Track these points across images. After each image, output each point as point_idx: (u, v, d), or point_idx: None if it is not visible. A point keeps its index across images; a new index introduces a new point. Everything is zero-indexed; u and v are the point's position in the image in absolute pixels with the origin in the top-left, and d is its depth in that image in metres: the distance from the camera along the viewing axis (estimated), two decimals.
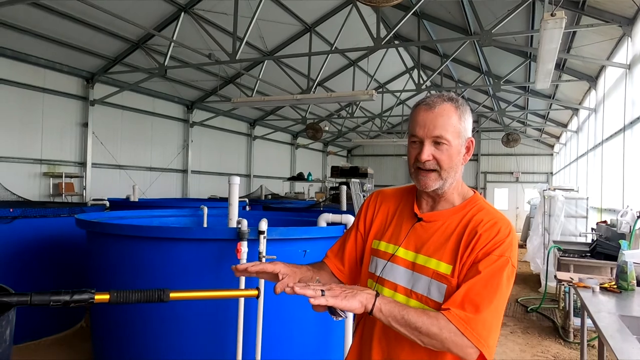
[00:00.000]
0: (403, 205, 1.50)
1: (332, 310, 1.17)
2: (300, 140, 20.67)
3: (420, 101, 1.39)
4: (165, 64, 9.69)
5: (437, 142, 1.32)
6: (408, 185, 1.57)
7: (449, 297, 1.24)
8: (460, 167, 1.38)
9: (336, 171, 13.77)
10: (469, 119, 1.38)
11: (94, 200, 7.93)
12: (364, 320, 1.48)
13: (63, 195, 10.15)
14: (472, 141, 1.40)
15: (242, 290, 1.21)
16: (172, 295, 1.13)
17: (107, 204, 6.52)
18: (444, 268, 1.30)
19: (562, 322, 5.67)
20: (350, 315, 3.17)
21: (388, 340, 1.37)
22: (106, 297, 1.07)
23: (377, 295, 1.19)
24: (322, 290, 1.13)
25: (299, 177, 15.23)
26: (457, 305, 1.20)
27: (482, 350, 1.18)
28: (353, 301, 1.14)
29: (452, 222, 1.36)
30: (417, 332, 1.17)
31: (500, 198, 22.04)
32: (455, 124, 1.33)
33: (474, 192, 1.45)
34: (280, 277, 1.30)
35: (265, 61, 11.67)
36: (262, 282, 2.85)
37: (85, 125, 10.98)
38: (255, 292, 1.25)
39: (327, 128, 17.58)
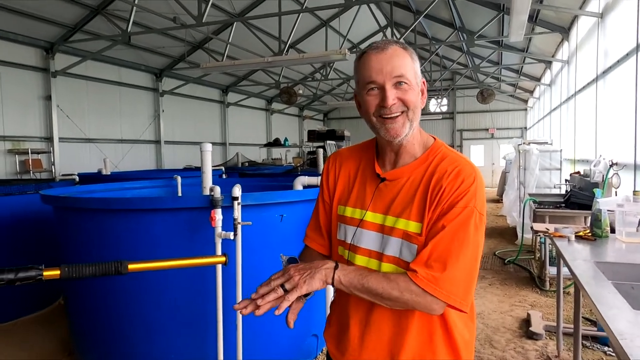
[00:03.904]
0: (364, 164, 1.41)
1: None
2: (275, 106, 20.34)
3: (366, 49, 1.29)
4: (129, 30, 9.23)
5: (398, 83, 1.24)
6: (366, 141, 1.47)
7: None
8: (420, 110, 1.32)
9: (313, 135, 13.68)
10: (418, 62, 1.32)
11: (63, 175, 7.66)
12: None
13: (31, 172, 9.82)
14: (424, 82, 1.34)
15: (208, 257, 1.13)
16: (131, 267, 1.05)
17: (77, 178, 6.29)
18: (413, 227, 1.24)
19: (539, 272, 5.82)
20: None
21: (365, 302, 1.32)
22: (56, 272, 0.98)
23: (336, 267, 1.19)
24: (283, 285, 1.14)
25: (276, 143, 15.06)
26: (423, 264, 1.17)
27: (455, 306, 1.17)
28: (313, 282, 1.15)
29: (416, 176, 1.29)
30: (379, 297, 1.17)
31: (476, 155, 22.33)
32: (410, 65, 1.27)
33: (435, 138, 1.37)
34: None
35: (234, 24, 11.26)
36: (239, 249, 2.80)
37: (49, 98, 10.52)
38: (222, 259, 1.17)
39: (301, 91, 17.29)
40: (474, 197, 1.21)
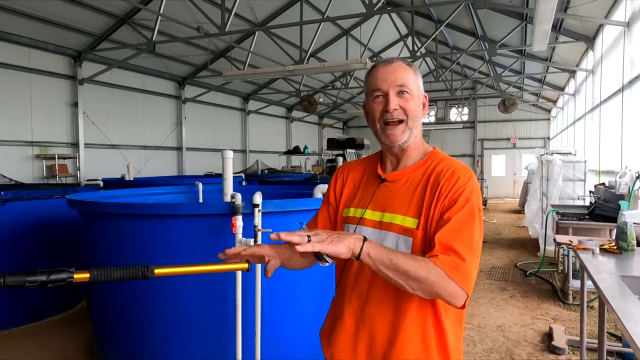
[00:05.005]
0: (369, 171, 1.54)
1: (318, 255, 1.14)
2: (295, 114, 20.47)
3: (375, 63, 1.45)
4: (154, 39, 9.44)
5: (401, 92, 1.37)
6: (372, 154, 1.60)
7: (417, 249, 1.28)
8: (421, 120, 1.44)
9: (332, 143, 13.69)
10: (421, 78, 1.45)
11: (87, 180, 7.84)
12: (340, 279, 1.51)
13: (57, 177, 10.06)
14: (426, 96, 1.46)
15: (231, 263, 1.15)
16: (157, 271, 1.07)
17: (101, 183, 6.43)
18: (410, 222, 1.32)
19: (561, 285, 5.70)
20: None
21: (359, 298, 1.41)
22: (86, 275, 1.01)
23: (365, 239, 1.17)
24: (309, 236, 1.10)
25: (295, 151, 15.13)
26: (442, 253, 1.21)
27: (468, 293, 1.21)
28: (340, 245, 1.12)
29: (415, 178, 1.39)
30: (405, 276, 1.16)
31: (497, 165, 22.02)
32: (413, 78, 1.40)
33: (434, 148, 1.49)
34: (267, 260, 1.31)
35: (256, 33, 11.41)
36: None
37: (76, 105, 10.80)
38: (245, 266, 1.19)
39: (321, 100, 17.37)
40: (472, 192, 1.30)
